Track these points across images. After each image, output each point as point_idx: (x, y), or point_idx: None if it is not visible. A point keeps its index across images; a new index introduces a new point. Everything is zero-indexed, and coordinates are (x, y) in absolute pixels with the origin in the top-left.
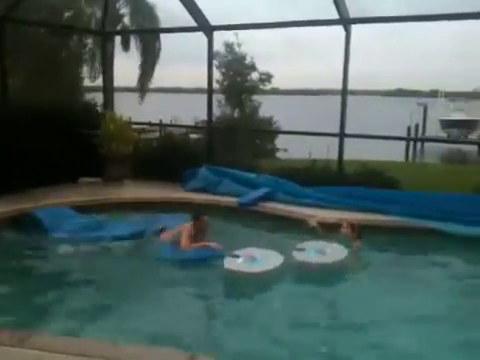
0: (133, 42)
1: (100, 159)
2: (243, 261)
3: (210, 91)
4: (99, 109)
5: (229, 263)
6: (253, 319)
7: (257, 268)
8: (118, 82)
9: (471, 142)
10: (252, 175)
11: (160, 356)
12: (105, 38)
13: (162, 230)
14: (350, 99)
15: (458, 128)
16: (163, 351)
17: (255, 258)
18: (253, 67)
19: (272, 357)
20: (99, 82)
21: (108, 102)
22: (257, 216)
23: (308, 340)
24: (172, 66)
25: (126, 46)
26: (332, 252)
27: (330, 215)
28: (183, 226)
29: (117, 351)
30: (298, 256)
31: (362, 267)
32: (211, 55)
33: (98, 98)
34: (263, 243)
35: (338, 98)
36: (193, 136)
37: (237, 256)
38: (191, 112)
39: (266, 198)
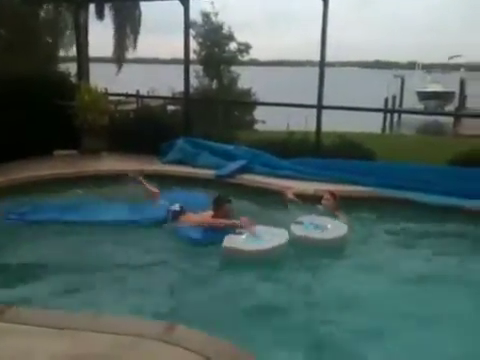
0: (109, 11)
1: (76, 131)
2: (245, 238)
3: (187, 62)
4: (73, 80)
5: (228, 241)
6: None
7: (259, 246)
8: (94, 52)
9: (447, 114)
10: (230, 147)
11: (138, 326)
12: (78, 6)
13: (180, 212)
14: (328, 71)
15: (435, 100)
16: (141, 321)
17: (259, 235)
18: (231, 37)
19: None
20: (73, 52)
21: (83, 73)
22: (235, 188)
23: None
24: (149, 36)
25: (101, 15)
26: (332, 228)
27: (307, 187)
28: (203, 216)
29: (94, 322)
30: (297, 230)
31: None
32: (188, 24)
33: (73, 68)
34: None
35: (317, 70)
36: (171, 108)
37: (240, 233)
38: (168, 83)
39: (244, 170)
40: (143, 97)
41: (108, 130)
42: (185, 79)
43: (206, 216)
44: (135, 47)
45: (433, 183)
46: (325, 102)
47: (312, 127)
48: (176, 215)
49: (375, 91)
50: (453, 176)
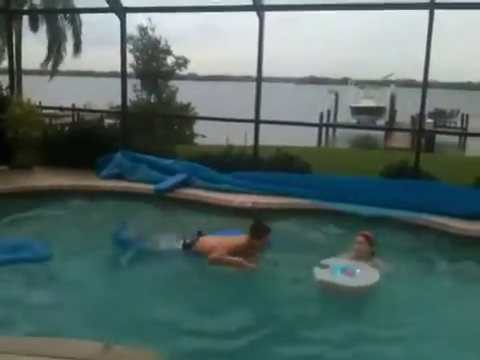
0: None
1: (7, 146)
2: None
3: (124, 75)
4: (5, 93)
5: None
6: None
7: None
8: (28, 65)
9: (378, 128)
10: (169, 161)
11: (70, 346)
12: (10, 16)
13: (198, 234)
14: (267, 86)
15: (367, 114)
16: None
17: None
18: (168, 51)
19: None
20: (5, 64)
21: (14, 85)
22: (174, 202)
23: None
24: (86, 49)
25: (34, 26)
26: (362, 273)
27: (246, 199)
28: (236, 237)
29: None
30: (323, 275)
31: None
32: (124, 37)
33: (4, 81)
34: (181, 229)
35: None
36: (109, 121)
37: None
38: (106, 96)
39: (183, 184)
40: (78, 110)
41: (42, 144)
42: (122, 92)
43: (237, 241)
44: (75, 57)
45: (365, 194)
46: (264, 117)
47: (251, 141)
48: (189, 245)
49: (312, 106)
50: (383, 187)
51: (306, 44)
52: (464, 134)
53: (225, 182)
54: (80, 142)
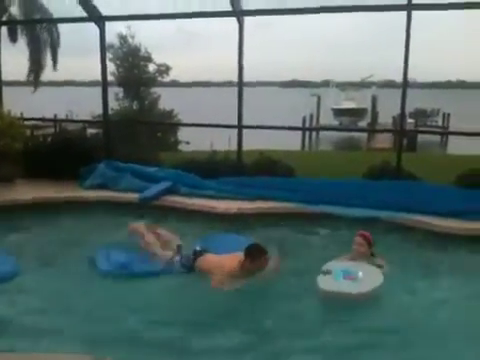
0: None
1: None
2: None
3: (105, 84)
4: None
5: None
6: None
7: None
8: (8, 76)
9: (361, 129)
10: (153, 169)
11: None
12: None
13: (200, 253)
14: (249, 91)
15: (348, 116)
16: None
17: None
18: (149, 59)
19: None
20: None
21: None
22: (159, 211)
23: None
24: (66, 59)
25: (14, 37)
26: (366, 275)
27: (231, 205)
28: (233, 256)
29: None
30: (327, 284)
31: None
32: (104, 46)
33: None
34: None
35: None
36: (91, 131)
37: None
38: (88, 106)
39: (168, 192)
40: (60, 121)
41: (23, 156)
42: (103, 101)
43: (232, 260)
44: (54, 69)
45: (349, 196)
46: (248, 122)
47: (235, 146)
48: (191, 261)
49: (295, 109)
50: (367, 189)
51: (287, 48)
52: (445, 133)
53: (210, 188)
54: (62, 153)
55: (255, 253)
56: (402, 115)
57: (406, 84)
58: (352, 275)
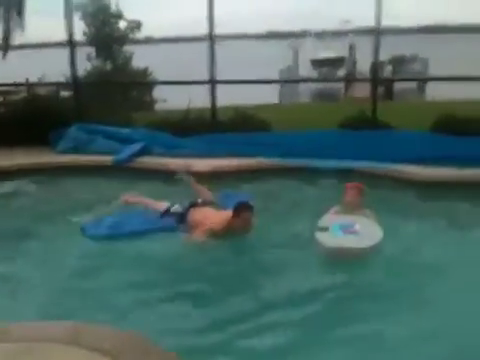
0: None
1: None
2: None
3: (71, 43)
4: None
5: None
6: None
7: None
8: None
9: (335, 79)
10: (126, 130)
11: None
12: None
13: (194, 205)
14: (224, 44)
15: (327, 66)
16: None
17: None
18: (120, 16)
19: None
20: None
21: None
22: (134, 172)
23: None
24: (35, 20)
25: None
26: (364, 229)
27: (207, 163)
28: (222, 212)
29: None
30: (326, 240)
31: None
32: (69, 3)
33: None
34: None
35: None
36: (65, 94)
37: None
38: (63, 68)
39: (142, 153)
40: (33, 85)
41: None
42: (71, 62)
43: (219, 216)
44: (22, 31)
45: (324, 148)
46: (225, 77)
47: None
48: (182, 217)
49: (272, 62)
50: (342, 140)
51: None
52: (420, 79)
53: (184, 147)
54: (34, 118)
55: (243, 211)
56: (375, 63)
57: (379, 30)
58: (350, 228)
